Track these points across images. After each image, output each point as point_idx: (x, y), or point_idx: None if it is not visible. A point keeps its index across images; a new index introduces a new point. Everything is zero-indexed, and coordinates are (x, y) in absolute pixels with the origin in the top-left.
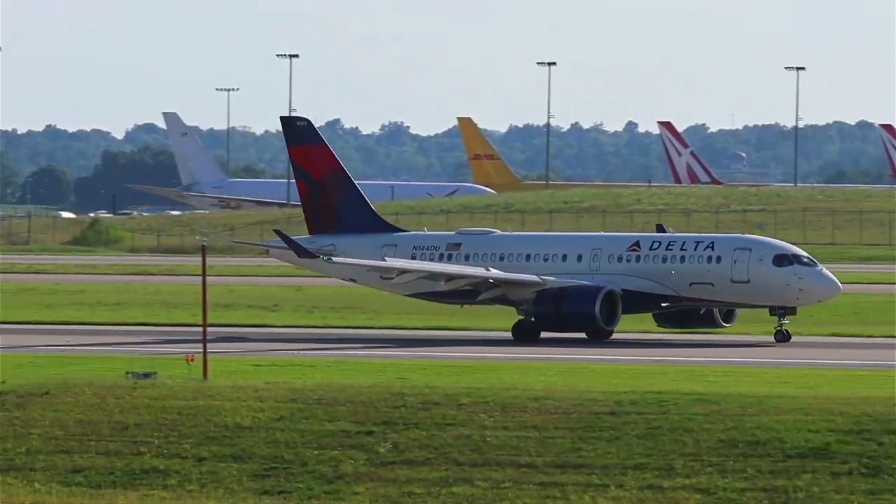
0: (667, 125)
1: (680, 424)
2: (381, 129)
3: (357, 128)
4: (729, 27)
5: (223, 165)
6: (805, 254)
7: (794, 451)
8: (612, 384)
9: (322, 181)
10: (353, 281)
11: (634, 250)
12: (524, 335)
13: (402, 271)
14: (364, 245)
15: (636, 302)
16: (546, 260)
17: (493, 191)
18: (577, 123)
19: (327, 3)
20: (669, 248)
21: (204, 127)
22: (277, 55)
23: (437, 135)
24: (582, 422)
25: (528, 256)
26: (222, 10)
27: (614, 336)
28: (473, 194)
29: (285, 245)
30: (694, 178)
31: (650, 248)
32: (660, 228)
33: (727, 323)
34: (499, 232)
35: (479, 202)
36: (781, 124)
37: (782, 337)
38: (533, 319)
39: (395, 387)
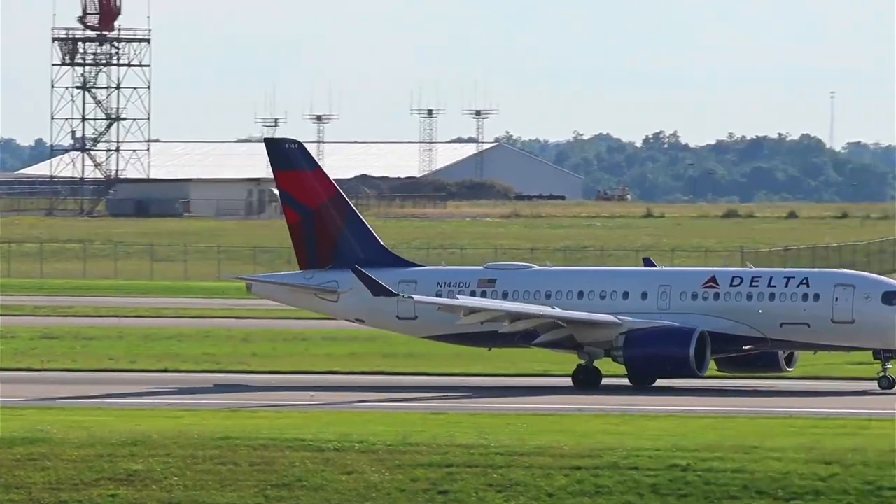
0: None
1: None
2: None
3: None
4: None
5: None
6: None
7: None
8: None
9: (318, 210)
10: (361, 322)
11: (711, 287)
12: (587, 381)
13: (472, 311)
14: None
15: (715, 344)
16: (603, 298)
17: None
18: None
19: None
20: (754, 284)
21: None
22: None
23: None
24: None
25: (580, 294)
26: None
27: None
28: None
29: (270, 280)
30: None
31: (731, 285)
32: None
33: (789, 367)
34: (536, 266)
35: None
36: None
37: (887, 383)
38: (624, 365)
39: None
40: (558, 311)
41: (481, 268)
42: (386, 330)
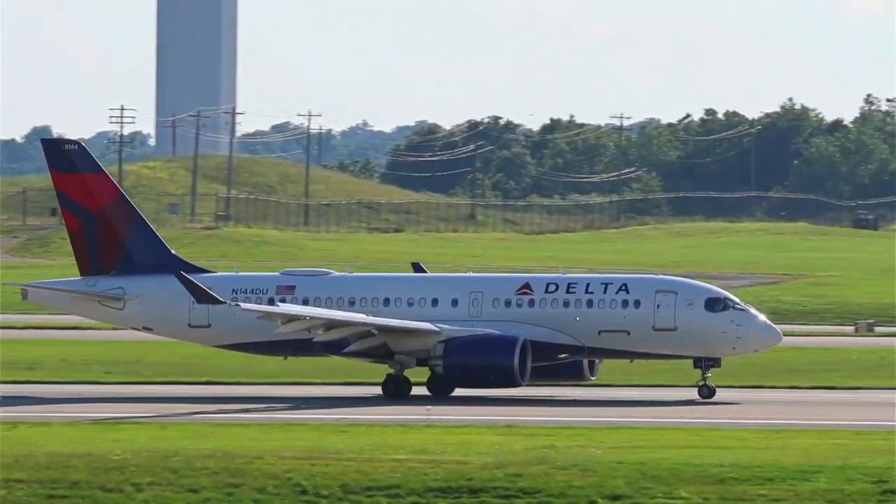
0: None
1: None
2: None
3: None
4: None
5: None
6: (735, 297)
7: None
8: None
9: (100, 214)
10: (149, 330)
11: (525, 293)
12: (397, 392)
13: (291, 318)
14: (165, 288)
15: (532, 353)
16: (411, 305)
17: None
18: None
19: None
20: (571, 290)
21: None
22: None
23: None
24: None
25: (386, 301)
26: None
27: (457, 392)
28: None
29: (49, 287)
30: None
31: (546, 291)
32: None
33: (592, 376)
34: (336, 273)
35: None
36: None
37: (707, 392)
38: (442, 373)
39: None
40: (380, 320)
41: (278, 274)
42: (176, 339)
